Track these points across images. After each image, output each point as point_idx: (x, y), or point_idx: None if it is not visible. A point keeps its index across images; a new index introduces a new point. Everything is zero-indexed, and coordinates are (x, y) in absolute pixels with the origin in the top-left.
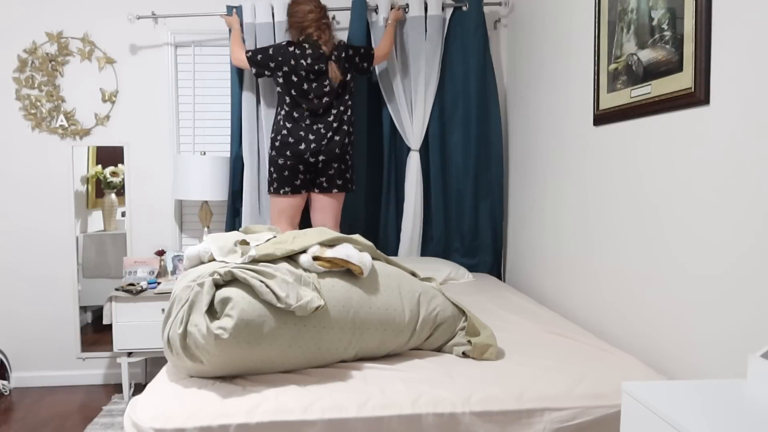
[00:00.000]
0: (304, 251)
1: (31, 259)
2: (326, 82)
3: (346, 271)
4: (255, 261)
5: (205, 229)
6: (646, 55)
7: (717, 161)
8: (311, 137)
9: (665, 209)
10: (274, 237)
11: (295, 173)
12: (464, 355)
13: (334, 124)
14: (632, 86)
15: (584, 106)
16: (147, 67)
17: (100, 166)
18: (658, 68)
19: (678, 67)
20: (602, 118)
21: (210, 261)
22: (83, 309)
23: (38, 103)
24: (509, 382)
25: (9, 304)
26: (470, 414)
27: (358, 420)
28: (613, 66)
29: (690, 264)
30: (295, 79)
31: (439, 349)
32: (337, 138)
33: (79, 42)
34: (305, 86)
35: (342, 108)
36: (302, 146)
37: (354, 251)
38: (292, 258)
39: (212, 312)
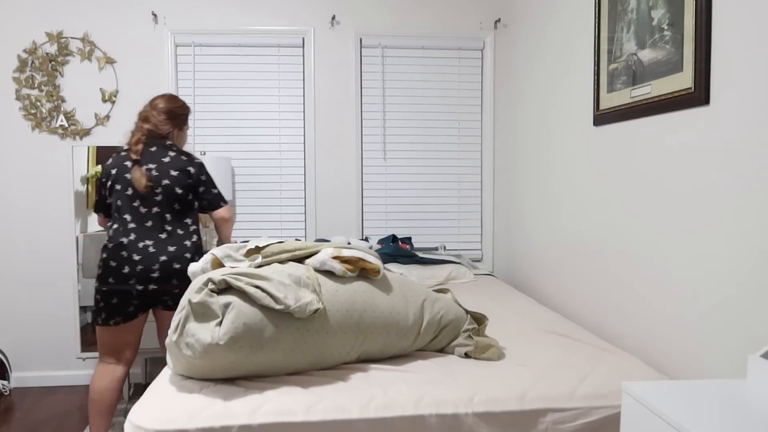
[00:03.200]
0: (316, 252)
1: (31, 258)
2: None
3: (352, 275)
4: (265, 255)
5: (205, 229)
6: (646, 55)
7: (717, 161)
8: None
9: (665, 209)
10: (280, 242)
11: None
12: (466, 356)
13: None
14: (632, 86)
15: (584, 106)
16: (147, 67)
17: (100, 166)
18: (658, 68)
19: (678, 67)
20: (602, 118)
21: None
22: (83, 309)
23: (38, 103)
24: (511, 382)
25: (9, 304)
26: (473, 415)
27: (360, 421)
28: (613, 66)
29: (690, 264)
30: None
31: (442, 350)
32: None
33: (79, 42)
34: None
35: None
36: None
37: (367, 254)
38: (299, 261)
39: (211, 317)
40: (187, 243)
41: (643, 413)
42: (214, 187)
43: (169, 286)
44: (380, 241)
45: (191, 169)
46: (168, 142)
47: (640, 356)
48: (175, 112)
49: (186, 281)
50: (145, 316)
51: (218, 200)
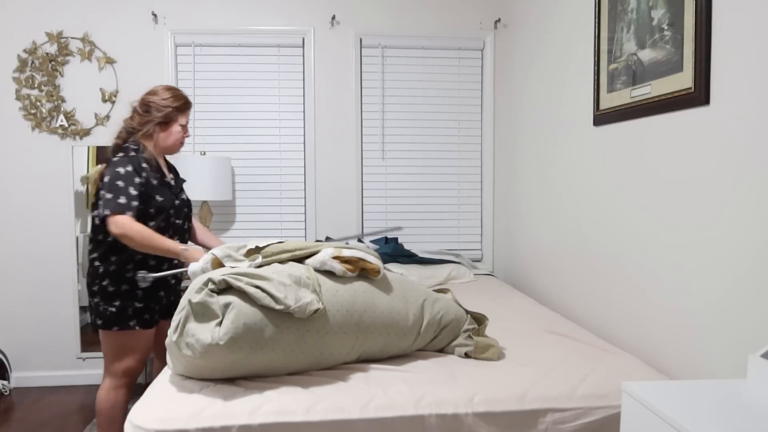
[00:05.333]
0: (316, 252)
1: (31, 259)
2: None
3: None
4: (265, 255)
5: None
6: (646, 55)
7: (717, 161)
8: None
9: (665, 209)
10: (280, 242)
11: None
12: (466, 356)
13: None
14: (632, 86)
15: (584, 106)
16: (147, 67)
17: (100, 166)
18: (658, 68)
19: (678, 67)
20: (602, 118)
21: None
22: (83, 309)
23: (38, 103)
24: (512, 382)
25: (9, 305)
26: (473, 415)
27: (361, 421)
28: (613, 66)
29: (690, 264)
30: None
31: (442, 350)
32: None
33: (79, 42)
34: None
35: None
36: None
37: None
38: (299, 261)
39: (211, 317)
40: (90, 251)
41: (642, 413)
42: (110, 191)
43: (90, 296)
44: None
45: (103, 169)
46: (131, 140)
47: (640, 356)
48: (157, 104)
49: (91, 294)
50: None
51: (103, 207)
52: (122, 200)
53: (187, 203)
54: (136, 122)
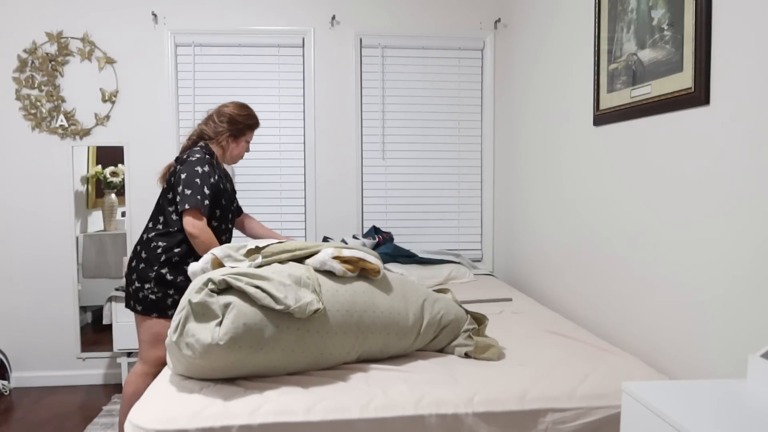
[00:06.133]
0: (316, 252)
1: (31, 258)
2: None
3: (352, 276)
4: (265, 255)
5: None
6: (646, 55)
7: (717, 161)
8: None
9: (665, 209)
10: (280, 242)
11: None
12: (466, 355)
13: None
14: (632, 86)
15: (584, 106)
16: (147, 67)
17: (100, 166)
18: (658, 68)
19: (678, 67)
20: (602, 118)
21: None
22: (83, 309)
23: (38, 103)
24: (512, 382)
25: (9, 304)
26: (473, 415)
27: (361, 421)
28: (613, 66)
29: (690, 264)
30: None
31: (442, 350)
32: None
33: (79, 42)
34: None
35: None
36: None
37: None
38: (299, 261)
39: (211, 318)
40: (144, 236)
41: (642, 413)
42: (189, 187)
43: (129, 283)
44: (365, 235)
45: (178, 166)
46: (201, 143)
47: (640, 356)
48: (234, 117)
49: (139, 280)
50: None
51: (183, 202)
52: (199, 197)
53: (239, 211)
54: (210, 129)
